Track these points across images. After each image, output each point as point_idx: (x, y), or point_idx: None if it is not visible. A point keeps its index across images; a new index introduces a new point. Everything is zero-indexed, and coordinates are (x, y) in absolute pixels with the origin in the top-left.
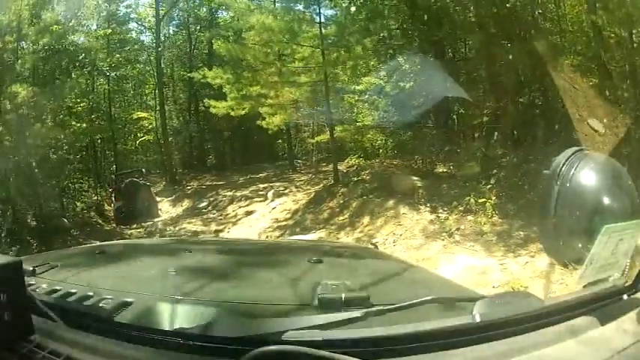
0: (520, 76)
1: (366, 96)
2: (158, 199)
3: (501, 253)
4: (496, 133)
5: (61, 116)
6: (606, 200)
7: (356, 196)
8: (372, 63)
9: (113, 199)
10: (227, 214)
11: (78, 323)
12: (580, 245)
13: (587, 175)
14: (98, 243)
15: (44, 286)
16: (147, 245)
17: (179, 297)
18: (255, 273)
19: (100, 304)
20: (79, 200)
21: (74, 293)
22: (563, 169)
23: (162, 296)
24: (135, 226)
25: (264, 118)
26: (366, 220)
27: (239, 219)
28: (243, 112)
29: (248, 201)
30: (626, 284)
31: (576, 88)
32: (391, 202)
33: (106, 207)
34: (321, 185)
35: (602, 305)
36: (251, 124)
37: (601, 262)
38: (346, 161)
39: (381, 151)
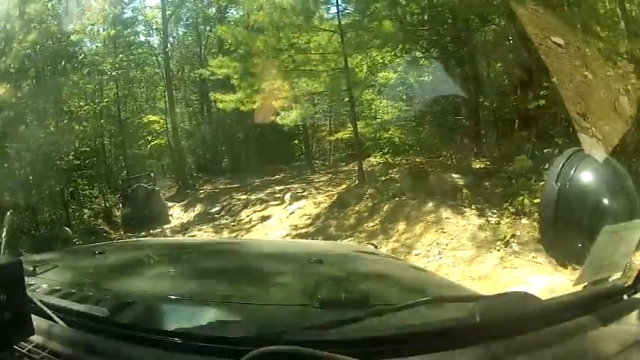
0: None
1: (388, 88)
2: (169, 204)
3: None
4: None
5: (65, 120)
6: (606, 200)
7: (387, 197)
8: (393, 52)
9: (120, 205)
10: (241, 220)
11: (78, 323)
12: (580, 245)
13: (587, 175)
14: (101, 243)
15: (44, 286)
16: (147, 245)
17: (179, 297)
18: (255, 273)
19: (100, 304)
20: (87, 207)
21: (74, 293)
22: (564, 169)
23: (162, 296)
24: (143, 233)
25: (278, 114)
26: (401, 226)
27: (253, 225)
28: (254, 106)
29: (264, 205)
30: (626, 284)
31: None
32: (430, 205)
33: (116, 213)
34: (344, 186)
35: (602, 305)
36: (265, 123)
37: (601, 262)
38: (370, 159)
39: (408, 146)
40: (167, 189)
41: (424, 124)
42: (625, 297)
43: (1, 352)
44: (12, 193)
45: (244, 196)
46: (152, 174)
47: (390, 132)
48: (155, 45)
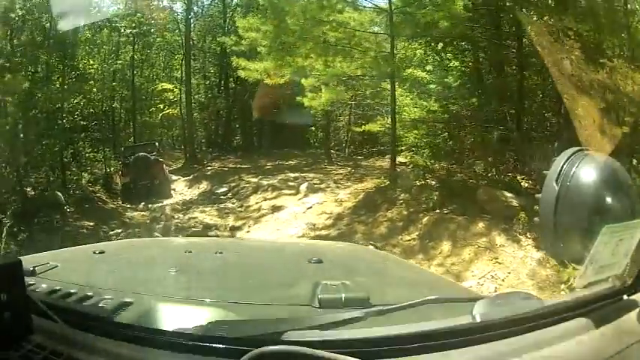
0: None
1: (426, 84)
2: (174, 177)
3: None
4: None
5: (73, 78)
6: (606, 200)
7: (425, 207)
8: (440, 44)
9: (121, 173)
10: (249, 206)
11: (78, 323)
12: (580, 245)
13: (587, 175)
14: (101, 243)
15: (44, 286)
16: (147, 245)
17: (179, 297)
18: (255, 273)
19: (100, 304)
20: (87, 171)
21: (74, 293)
22: (564, 169)
23: (162, 296)
24: (141, 206)
25: (305, 95)
26: (445, 246)
27: (263, 215)
28: (281, 81)
29: (276, 192)
30: (626, 284)
31: None
32: (480, 226)
33: (117, 181)
34: (370, 184)
35: (603, 305)
36: (285, 103)
37: (601, 262)
38: (399, 158)
39: (451, 151)
40: (174, 161)
41: (467, 130)
42: (625, 297)
43: (2, 351)
44: (7, 148)
45: (254, 179)
46: (157, 143)
47: (424, 132)
48: (178, 11)
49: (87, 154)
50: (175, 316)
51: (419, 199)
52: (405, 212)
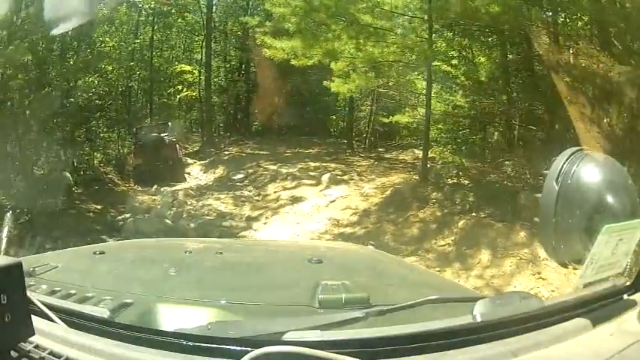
0: None
1: (458, 77)
2: (190, 161)
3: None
4: None
5: (87, 55)
6: (606, 200)
7: (459, 210)
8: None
9: (133, 154)
10: (267, 195)
11: (78, 324)
12: (580, 245)
13: (587, 174)
14: (101, 244)
15: (44, 287)
16: (147, 245)
17: (179, 297)
18: (255, 273)
19: (100, 305)
20: (99, 151)
21: (74, 294)
22: (564, 168)
23: (162, 296)
24: (152, 190)
25: (331, 80)
26: (484, 256)
27: (282, 205)
28: (309, 62)
29: (295, 182)
30: (626, 284)
31: None
32: (522, 235)
33: (130, 162)
34: (396, 178)
35: (603, 305)
36: (305, 90)
37: (601, 262)
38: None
39: (483, 149)
40: (190, 144)
41: (497, 127)
42: (625, 297)
43: (1, 352)
44: (17, 126)
45: (273, 167)
46: (170, 124)
47: (449, 127)
48: None
49: (101, 134)
50: (175, 317)
51: (453, 200)
52: (439, 213)
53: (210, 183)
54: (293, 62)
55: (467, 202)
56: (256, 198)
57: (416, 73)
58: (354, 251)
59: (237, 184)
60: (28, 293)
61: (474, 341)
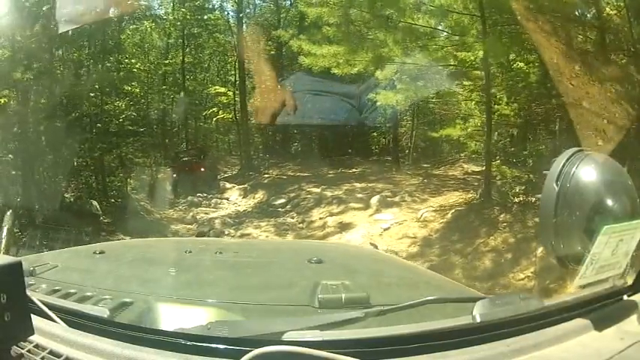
0: None
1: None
2: (228, 185)
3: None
4: None
5: (115, 80)
6: (606, 200)
7: (534, 234)
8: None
9: (172, 176)
10: (312, 222)
11: (78, 323)
12: (580, 245)
13: (587, 175)
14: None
15: (44, 286)
16: (147, 245)
17: (179, 297)
18: (255, 273)
19: (100, 304)
20: (133, 177)
21: (74, 293)
22: (564, 169)
23: (162, 296)
24: (189, 218)
25: (377, 92)
26: (571, 288)
27: (329, 234)
28: (353, 70)
29: (342, 206)
30: (626, 285)
31: None
32: None
33: (167, 187)
34: (460, 200)
35: (602, 306)
36: (344, 106)
37: (601, 263)
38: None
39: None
40: (229, 167)
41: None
42: (625, 297)
43: (1, 351)
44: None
45: (316, 190)
46: (203, 148)
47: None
48: (228, 10)
49: (134, 159)
50: (175, 316)
51: (524, 222)
52: (513, 239)
53: (250, 209)
54: (335, 70)
55: None
56: (300, 225)
57: (464, 79)
58: (354, 251)
59: (279, 209)
60: (28, 292)
61: (474, 341)
